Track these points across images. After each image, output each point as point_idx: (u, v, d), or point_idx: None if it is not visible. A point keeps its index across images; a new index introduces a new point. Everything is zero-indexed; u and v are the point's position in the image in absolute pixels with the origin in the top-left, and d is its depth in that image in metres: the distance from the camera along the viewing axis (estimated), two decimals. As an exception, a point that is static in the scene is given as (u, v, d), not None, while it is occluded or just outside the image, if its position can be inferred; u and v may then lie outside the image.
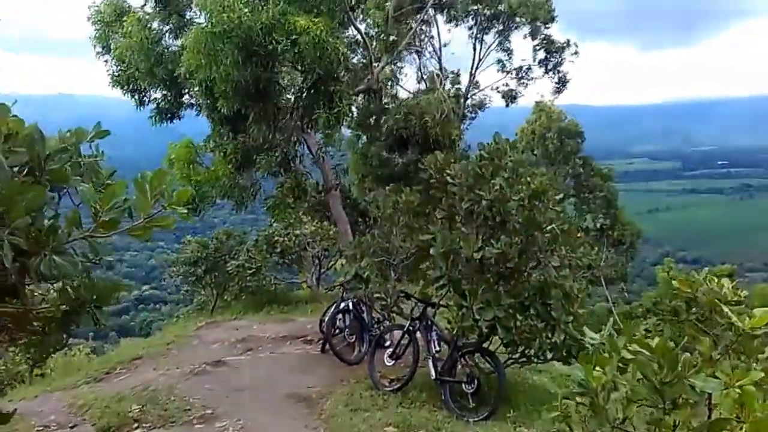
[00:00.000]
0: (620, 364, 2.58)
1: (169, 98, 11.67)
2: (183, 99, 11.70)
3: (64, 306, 2.74)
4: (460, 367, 7.05)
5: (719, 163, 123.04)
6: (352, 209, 14.42)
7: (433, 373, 7.08)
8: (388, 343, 7.94)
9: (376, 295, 7.57)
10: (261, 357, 8.86)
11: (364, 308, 8.81)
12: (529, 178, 7.65)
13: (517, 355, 7.20)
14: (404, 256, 7.71)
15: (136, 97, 11.71)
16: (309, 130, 9.61)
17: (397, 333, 7.68)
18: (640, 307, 23.18)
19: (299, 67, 9.48)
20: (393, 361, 7.51)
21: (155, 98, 11.81)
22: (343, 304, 8.75)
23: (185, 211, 2.74)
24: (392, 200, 7.71)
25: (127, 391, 7.38)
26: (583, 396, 2.65)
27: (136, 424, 6.51)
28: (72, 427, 6.63)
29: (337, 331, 8.82)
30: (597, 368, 2.52)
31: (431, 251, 6.94)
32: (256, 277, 12.50)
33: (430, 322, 7.43)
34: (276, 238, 13.10)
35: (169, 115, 11.82)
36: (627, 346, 2.56)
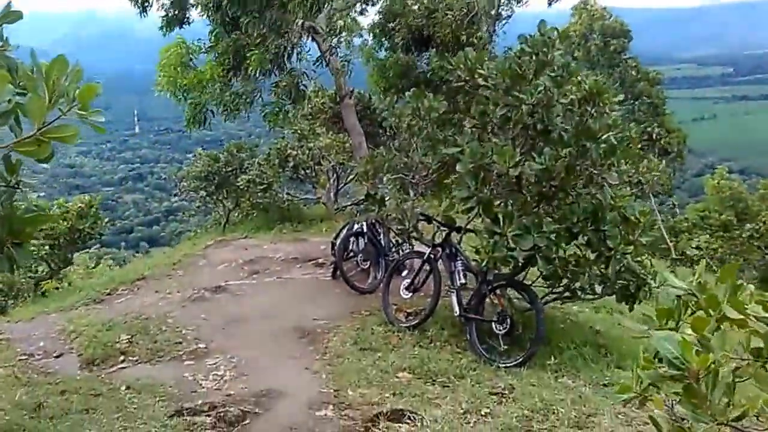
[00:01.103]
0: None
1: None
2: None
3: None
4: (489, 302, 6.01)
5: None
6: (369, 122, 13.12)
7: (456, 308, 6.07)
8: (406, 272, 6.93)
9: (392, 217, 6.46)
10: (266, 282, 7.98)
11: (380, 231, 7.76)
12: (580, 78, 6.28)
13: (560, 290, 6.14)
14: (426, 173, 6.53)
15: (139, 1, 10.85)
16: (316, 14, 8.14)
17: (417, 261, 6.65)
18: (685, 221, 21.60)
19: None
20: (411, 293, 6.52)
21: (163, 3, 11.05)
22: (356, 226, 7.71)
23: (101, 119, 2.30)
24: (412, 107, 6.42)
25: (120, 318, 6.67)
26: (677, 380, 1.69)
27: (122, 357, 5.78)
28: (57, 357, 5.94)
29: (351, 254, 7.83)
30: (690, 333, 1.73)
31: (458, 167, 5.74)
32: (267, 193, 11.49)
33: (454, 250, 6.36)
34: (289, 151, 11.96)
35: (177, 21, 10.94)
36: (730, 302, 1.77)
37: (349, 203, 8.39)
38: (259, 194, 11.51)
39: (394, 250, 7.77)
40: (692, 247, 18.35)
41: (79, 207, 8.98)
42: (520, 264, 5.86)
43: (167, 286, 8.24)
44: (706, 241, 19.47)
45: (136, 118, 73.82)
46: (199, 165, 11.96)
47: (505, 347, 5.78)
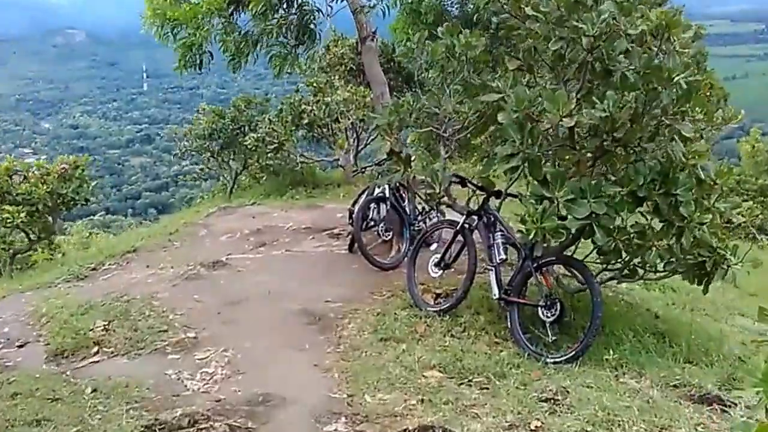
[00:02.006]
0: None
1: None
2: None
3: None
4: (534, 283, 4.97)
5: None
6: (394, 75, 11.91)
7: (495, 289, 5.05)
8: (435, 246, 5.91)
9: (419, 179, 5.40)
10: (273, 256, 7.02)
11: (405, 196, 6.71)
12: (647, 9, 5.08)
13: (617, 267, 5.08)
14: (460, 125, 5.43)
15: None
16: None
17: (449, 232, 5.61)
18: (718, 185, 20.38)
19: None
20: (441, 271, 5.49)
21: None
22: (377, 191, 6.67)
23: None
24: (446, 45, 5.28)
25: (99, 300, 5.75)
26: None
27: (95, 348, 4.88)
28: (20, 347, 5.07)
29: (371, 223, 6.80)
30: None
31: (499, 117, 4.64)
32: (278, 154, 10.49)
33: (493, 219, 5.29)
34: (303, 107, 10.85)
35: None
36: None
37: (369, 164, 7.33)
38: (269, 155, 10.50)
39: (420, 218, 6.74)
40: (736, 214, 17.15)
41: (62, 168, 8.01)
42: (572, 235, 4.82)
43: (160, 260, 7.34)
44: (748, 208, 18.46)
45: (144, 75, 71.28)
46: (202, 122, 10.95)
47: (554, 338, 4.76)
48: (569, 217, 4.57)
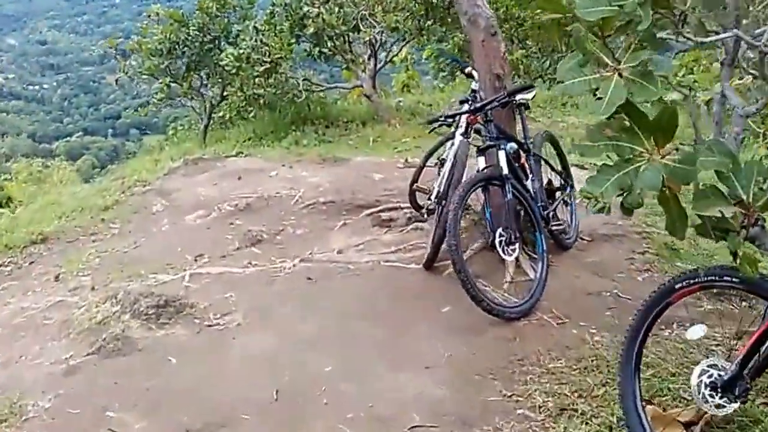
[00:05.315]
0: None
1: None
2: None
3: None
4: None
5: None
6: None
7: None
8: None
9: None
10: (277, 277, 3.73)
11: (528, 166, 3.50)
12: None
13: None
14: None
15: None
16: None
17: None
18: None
19: None
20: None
21: None
22: (483, 159, 3.40)
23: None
24: None
25: None
26: None
27: None
28: None
29: (470, 215, 3.58)
30: None
31: None
32: (272, 78, 7.04)
33: None
34: (306, 9, 7.31)
35: None
36: None
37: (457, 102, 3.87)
38: (256, 80, 7.06)
39: (551, 209, 3.56)
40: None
41: None
42: None
43: (78, 266, 4.25)
44: None
45: (117, -16, 65.15)
46: (156, 33, 7.38)
47: None
48: None
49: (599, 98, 1.62)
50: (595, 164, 6.07)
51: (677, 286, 2.12)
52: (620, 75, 1.64)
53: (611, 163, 1.72)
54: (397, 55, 8.91)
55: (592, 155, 1.79)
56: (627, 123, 1.70)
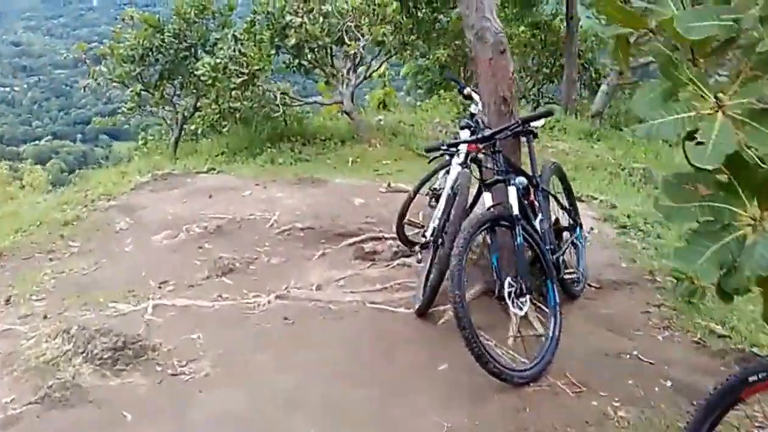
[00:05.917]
0: None
1: None
2: None
3: None
4: None
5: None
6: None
7: None
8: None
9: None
10: (249, 316, 3.41)
11: (537, 204, 3.25)
12: None
13: None
14: None
15: None
16: None
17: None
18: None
19: None
20: None
21: None
22: (490, 194, 3.09)
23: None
24: None
25: None
26: None
27: None
28: None
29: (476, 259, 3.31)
30: None
31: None
32: (249, 90, 6.73)
33: None
34: (288, 18, 7.03)
35: None
36: None
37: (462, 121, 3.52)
38: (233, 92, 6.74)
39: (561, 258, 3.29)
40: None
41: None
42: None
43: (32, 288, 3.88)
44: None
45: (95, -12, 64.00)
46: (128, 38, 7.01)
47: None
48: None
49: (699, 142, 1.28)
50: (592, 196, 5.70)
51: (751, 379, 1.72)
52: (724, 113, 1.31)
53: (701, 230, 1.36)
54: (377, 70, 8.68)
55: (681, 219, 1.42)
56: (725, 178, 1.36)
